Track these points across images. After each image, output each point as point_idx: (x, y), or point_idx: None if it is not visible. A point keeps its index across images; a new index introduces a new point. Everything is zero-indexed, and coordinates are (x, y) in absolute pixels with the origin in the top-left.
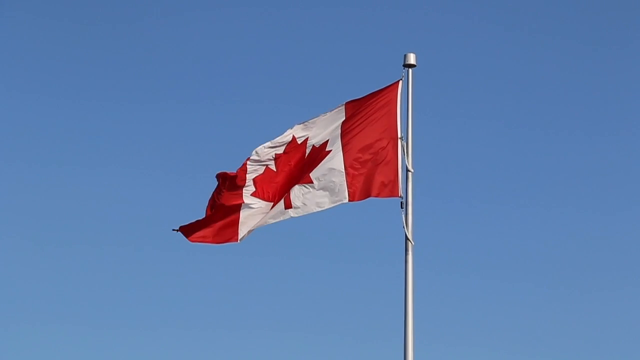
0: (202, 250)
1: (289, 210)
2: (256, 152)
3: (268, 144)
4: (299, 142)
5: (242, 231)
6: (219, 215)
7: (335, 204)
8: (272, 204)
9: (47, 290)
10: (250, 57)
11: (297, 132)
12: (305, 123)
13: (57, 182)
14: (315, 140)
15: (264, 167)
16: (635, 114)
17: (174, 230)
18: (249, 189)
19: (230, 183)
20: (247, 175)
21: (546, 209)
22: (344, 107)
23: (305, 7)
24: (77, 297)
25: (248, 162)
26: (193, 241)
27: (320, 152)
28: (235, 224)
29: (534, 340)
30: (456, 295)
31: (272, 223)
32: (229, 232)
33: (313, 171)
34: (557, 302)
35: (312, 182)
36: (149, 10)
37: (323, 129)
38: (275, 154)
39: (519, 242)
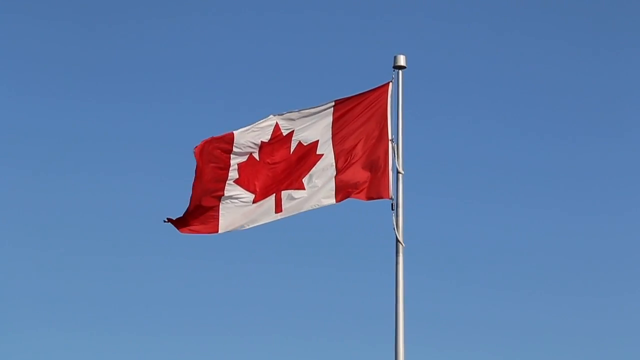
0: (189, 252)
1: (279, 214)
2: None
3: (247, 128)
4: (284, 134)
5: (223, 224)
6: (203, 200)
7: (323, 205)
8: (253, 196)
9: (47, 292)
10: (241, 59)
11: (281, 121)
12: (289, 114)
13: (56, 182)
14: (302, 136)
15: (248, 154)
16: (628, 114)
17: (165, 221)
18: (232, 174)
19: (214, 165)
20: (231, 159)
21: (538, 209)
22: (332, 106)
23: (295, 10)
24: (75, 299)
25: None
26: (183, 232)
27: (310, 154)
28: (216, 212)
29: (527, 341)
30: (447, 297)
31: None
32: (211, 222)
33: (305, 177)
34: (551, 303)
35: (304, 189)
36: (143, 13)
37: (310, 125)
38: (261, 141)
39: (511, 243)
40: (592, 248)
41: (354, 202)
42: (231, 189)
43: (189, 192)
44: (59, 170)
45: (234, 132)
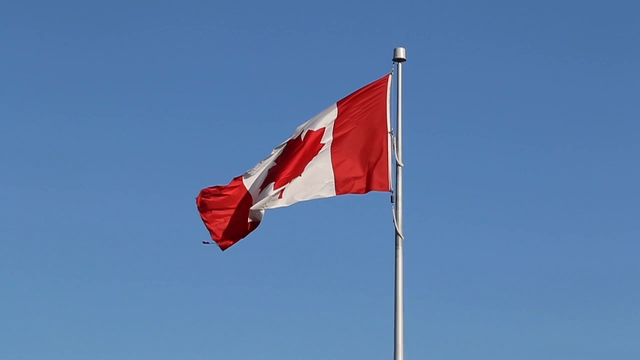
0: (188, 250)
1: (280, 200)
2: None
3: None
4: (296, 137)
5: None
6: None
7: (321, 196)
8: (273, 183)
9: (49, 291)
10: (240, 53)
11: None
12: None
13: (59, 182)
14: (311, 125)
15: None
16: (632, 122)
17: (205, 242)
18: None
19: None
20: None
21: (537, 204)
22: (336, 104)
23: (295, 2)
24: (78, 296)
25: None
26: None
27: (315, 141)
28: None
29: (526, 339)
30: (447, 291)
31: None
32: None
33: (307, 164)
34: (549, 298)
35: (301, 176)
36: (143, 22)
37: (318, 118)
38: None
39: (510, 238)
40: (592, 245)
41: (354, 195)
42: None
43: (189, 193)
44: (61, 184)
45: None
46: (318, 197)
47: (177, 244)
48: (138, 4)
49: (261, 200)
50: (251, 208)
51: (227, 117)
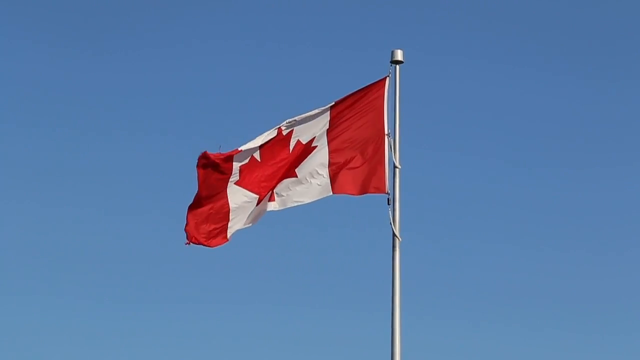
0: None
1: (272, 203)
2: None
3: (256, 139)
4: (284, 134)
5: (232, 230)
6: (209, 209)
7: (318, 198)
8: (257, 197)
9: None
10: (237, 54)
11: (284, 125)
12: (293, 118)
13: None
14: (301, 135)
15: (250, 156)
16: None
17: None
18: (234, 177)
19: (214, 169)
20: (233, 163)
21: (537, 206)
22: (331, 106)
23: (292, 4)
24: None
25: (235, 155)
26: (191, 242)
27: (307, 149)
28: (225, 221)
29: (526, 339)
30: (444, 292)
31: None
32: (220, 233)
33: (299, 167)
34: (548, 300)
35: (296, 177)
36: (138, 12)
37: (310, 126)
38: (262, 142)
39: (509, 236)
40: (591, 249)
41: (351, 197)
42: (233, 192)
43: (183, 189)
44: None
45: (242, 147)
46: (314, 200)
47: (170, 259)
48: (134, 15)
49: (249, 215)
50: (236, 228)
51: (223, 119)
